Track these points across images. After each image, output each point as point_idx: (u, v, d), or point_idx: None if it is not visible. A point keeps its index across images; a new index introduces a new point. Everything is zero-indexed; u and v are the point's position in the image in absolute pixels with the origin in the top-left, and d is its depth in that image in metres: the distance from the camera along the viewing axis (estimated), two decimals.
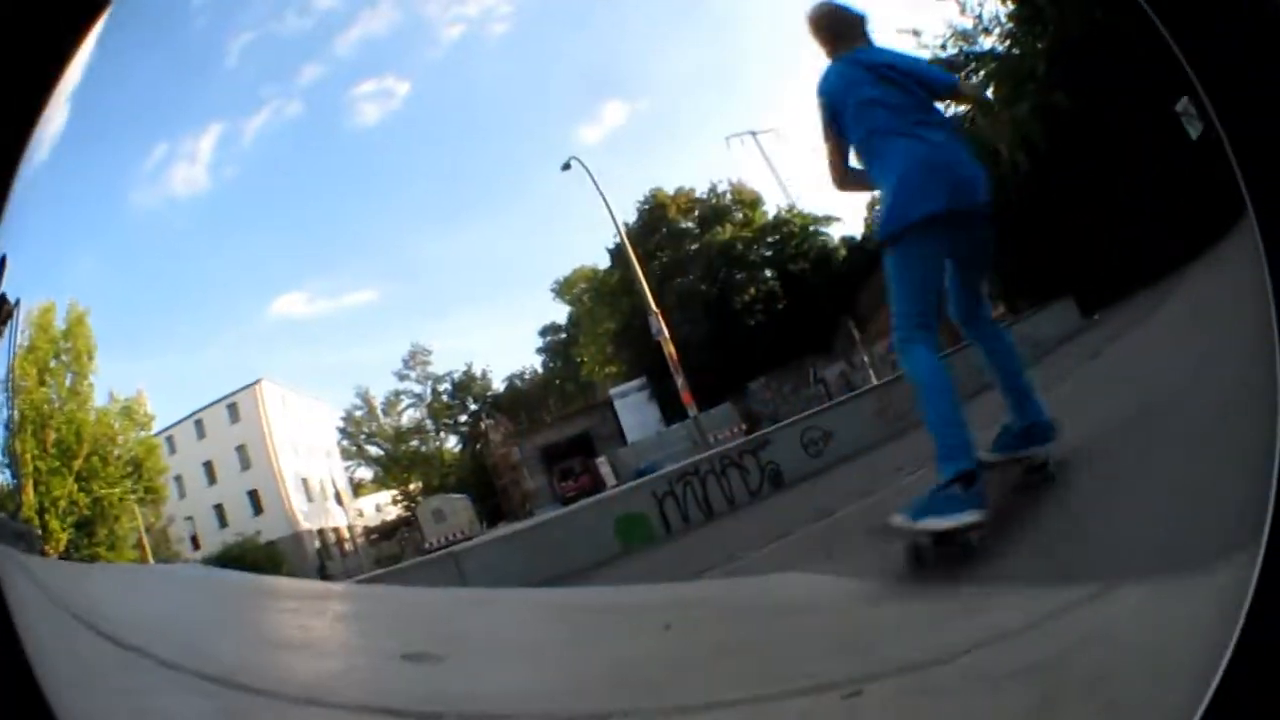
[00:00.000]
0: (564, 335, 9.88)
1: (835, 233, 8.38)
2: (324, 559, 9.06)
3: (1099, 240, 5.58)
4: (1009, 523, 3.03)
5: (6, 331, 4.18)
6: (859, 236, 7.99)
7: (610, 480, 8.11)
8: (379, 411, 11.08)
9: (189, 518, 7.29)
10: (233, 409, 8.85)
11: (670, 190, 8.81)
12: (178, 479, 7.28)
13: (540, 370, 10.21)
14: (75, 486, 5.52)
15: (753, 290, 8.46)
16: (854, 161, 3.50)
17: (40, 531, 5.01)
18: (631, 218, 8.60)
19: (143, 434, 6.46)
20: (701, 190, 8.80)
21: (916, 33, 5.74)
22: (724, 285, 8.48)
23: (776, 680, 2.27)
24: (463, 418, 10.70)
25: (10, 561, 2.65)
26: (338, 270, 8.84)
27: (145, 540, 6.19)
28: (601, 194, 7.21)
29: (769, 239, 8.44)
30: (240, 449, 8.78)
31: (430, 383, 10.70)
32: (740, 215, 8.58)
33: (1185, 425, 2.64)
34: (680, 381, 7.21)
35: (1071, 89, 5.37)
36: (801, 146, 6.90)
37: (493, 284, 8.58)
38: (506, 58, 8.85)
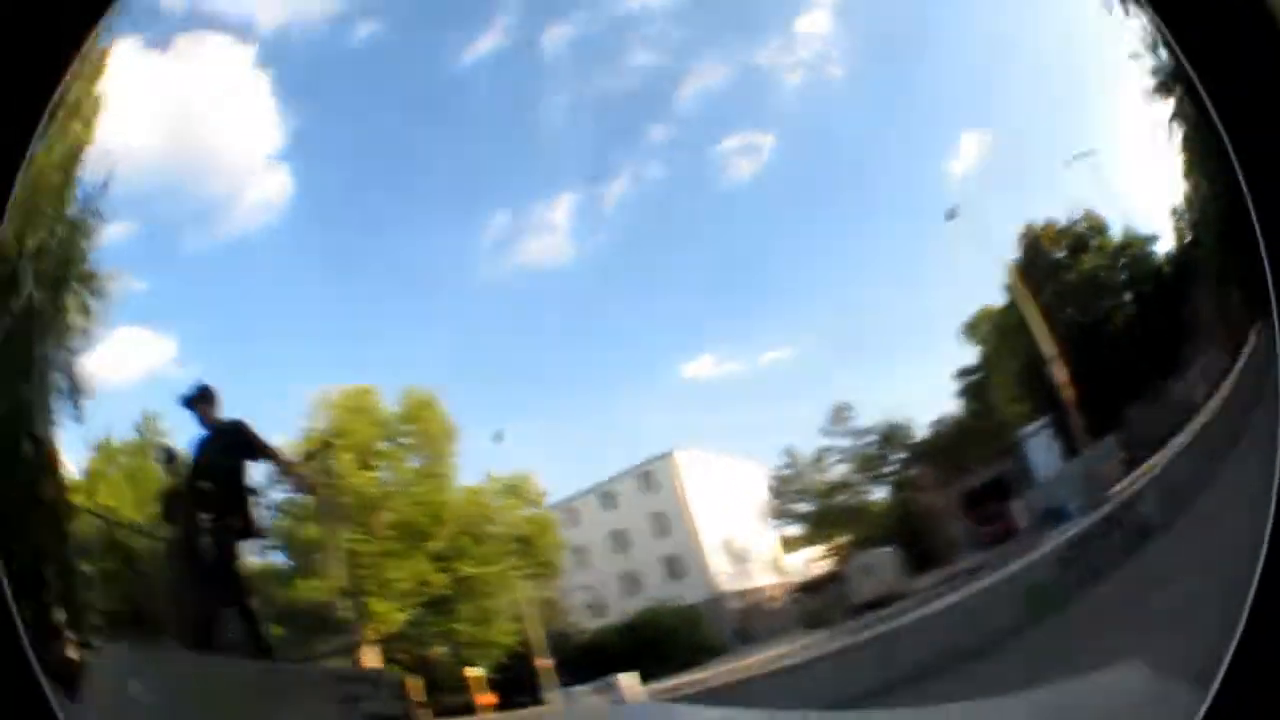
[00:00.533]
0: (977, 375, 9.98)
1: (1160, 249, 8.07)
2: (744, 620, 8.69)
3: None
4: None
5: None
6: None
7: (1022, 522, 8.05)
8: (807, 468, 10.97)
9: (588, 587, 7.73)
10: (645, 477, 9.38)
11: (1039, 223, 8.99)
12: (578, 550, 7.88)
13: (958, 413, 10.20)
14: (431, 567, 6.21)
15: (1118, 317, 8.58)
16: None
17: (358, 618, 5.70)
18: (1013, 254, 8.98)
19: (534, 510, 7.07)
20: (1061, 219, 8.93)
21: None
22: (1098, 313, 8.67)
23: None
24: (888, 469, 10.46)
25: None
26: (748, 331, 9.25)
27: (525, 613, 6.64)
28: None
29: (1121, 261, 8.57)
30: (655, 516, 9.19)
31: (856, 436, 10.45)
32: (1094, 241, 8.73)
33: None
34: (1073, 417, 7.37)
35: None
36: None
37: (904, 331, 9.01)
38: (854, 99, 9.42)
